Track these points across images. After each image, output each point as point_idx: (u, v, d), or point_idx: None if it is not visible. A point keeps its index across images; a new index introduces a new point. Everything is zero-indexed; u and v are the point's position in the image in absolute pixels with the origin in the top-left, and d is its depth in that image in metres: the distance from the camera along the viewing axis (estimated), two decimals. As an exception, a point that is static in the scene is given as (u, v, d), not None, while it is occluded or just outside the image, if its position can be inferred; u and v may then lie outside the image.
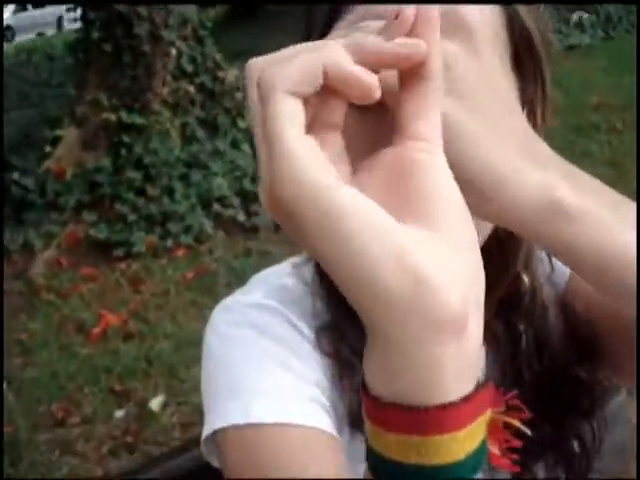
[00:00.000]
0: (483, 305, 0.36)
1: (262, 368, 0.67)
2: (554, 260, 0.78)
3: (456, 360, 0.34)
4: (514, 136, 0.44)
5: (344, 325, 0.68)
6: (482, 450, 0.37)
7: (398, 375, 0.35)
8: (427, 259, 0.33)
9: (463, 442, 0.35)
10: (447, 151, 0.38)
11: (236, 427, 0.64)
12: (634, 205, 0.45)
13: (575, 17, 11.18)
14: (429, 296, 0.33)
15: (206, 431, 0.68)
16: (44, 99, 10.75)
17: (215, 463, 0.72)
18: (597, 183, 0.45)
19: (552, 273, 0.78)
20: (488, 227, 0.59)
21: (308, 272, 0.74)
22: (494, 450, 0.38)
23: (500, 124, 0.43)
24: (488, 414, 0.37)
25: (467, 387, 0.35)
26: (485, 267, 0.37)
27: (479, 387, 0.36)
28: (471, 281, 0.35)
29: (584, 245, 0.43)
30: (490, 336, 0.75)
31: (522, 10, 0.57)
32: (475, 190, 0.41)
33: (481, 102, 0.43)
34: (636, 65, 6.52)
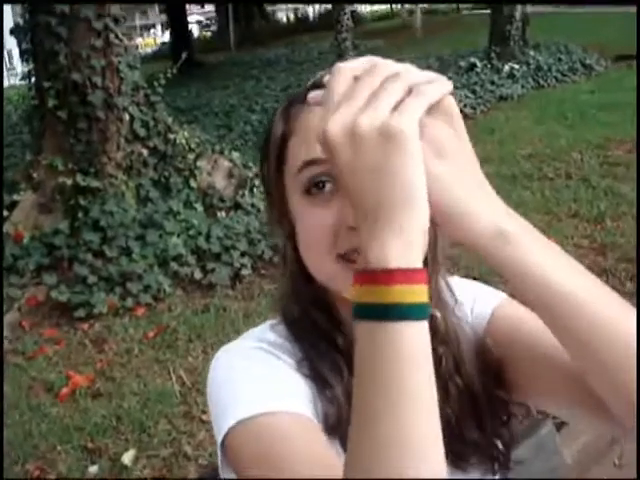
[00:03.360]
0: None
1: (256, 380, 0.89)
2: (474, 307, 1.03)
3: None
4: (475, 184, 0.69)
5: (315, 358, 0.93)
6: (429, 304, 0.62)
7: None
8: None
9: (424, 291, 0.61)
10: (430, 194, 0.63)
11: (238, 423, 0.83)
12: (548, 240, 0.71)
13: (507, 68, 11.58)
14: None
15: (219, 440, 0.87)
16: (-10, 159, 10.78)
17: (227, 475, 0.90)
18: (529, 225, 0.70)
19: (470, 318, 1.02)
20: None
21: (282, 330, 0.98)
22: None
23: (468, 176, 0.69)
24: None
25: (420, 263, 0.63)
26: None
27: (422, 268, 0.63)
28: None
29: (518, 261, 0.68)
30: None
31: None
32: (449, 221, 0.67)
33: (457, 161, 0.69)
34: (636, 71, 6.77)
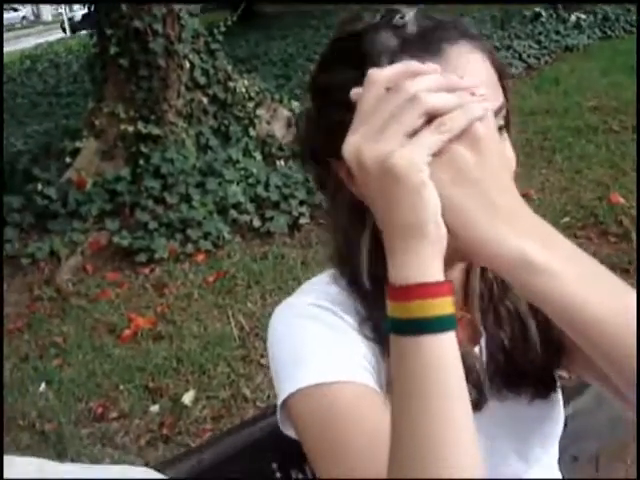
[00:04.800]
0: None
1: (319, 345, 0.87)
2: None
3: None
4: (504, 209, 0.64)
5: (377, 317, 0.88)
6: (454, 315, 0.63)
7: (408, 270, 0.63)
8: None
9: (446, 303, 0.62)
10: (452, 223, 0.62)
11: (301, 390, 0.82)
12: (594, 260, 0.66)
13: (573, 18, 11.24)
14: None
15: (280, 399, 0.86)
16: (53, 108, 10.96)
17: (287, 431, 0.90)
18: (567, 243, 0.65)
19: None
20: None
21: (343, 281, 0.95)
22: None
23: (491, 201, 0.63)
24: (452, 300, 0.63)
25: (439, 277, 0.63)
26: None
27: (445, 282, 0.63)
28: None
29: (548, 294, 0.63)
30: (467, 295, 0.97)
31: (493, 52, 0.82)
32: (469, 247, 0.64)
33: (479, 187, 0.63)
34: (636, 64, 6.61)
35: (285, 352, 0.89)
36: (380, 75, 0.64)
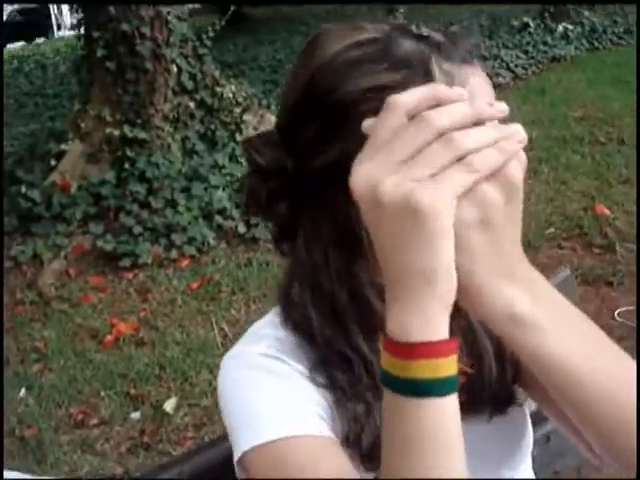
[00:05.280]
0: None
1: (271, 399, 0.83)
2: None
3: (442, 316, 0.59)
4: (509, 260, 0.60)
5: (331, 360, 0.84)
6: (457, 376, 0.59)
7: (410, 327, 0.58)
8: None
9: (450, 364, 0.58)
10: (462, 265, 0.58)
11: (256, 447, 0.78)
12: (581, 315, 0.66)
13: (560, 28, 11.30)
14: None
15: (236, 456, 0.82)
16: (39, 109, 10.90)
17: None
18: (562, 300, 0.64)
19: None
20: None
21: (290, 326, 0.87)
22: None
23: (506, 252, 0.60)
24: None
25: (444, 334, 0.59)
26: None
27: (452, 337, 0.59)
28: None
29: (531, 347, 0.62)
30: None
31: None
32: (464, 296, 0.61)
33: (500, 236, 0.60)
34: (636, 65, 6.63)
35: (237, 407, 0.85)
36: (402, 102, 0.58)
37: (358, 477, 0.76)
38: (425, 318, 0.58)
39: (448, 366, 0.58)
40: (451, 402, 0.60)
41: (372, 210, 0.58)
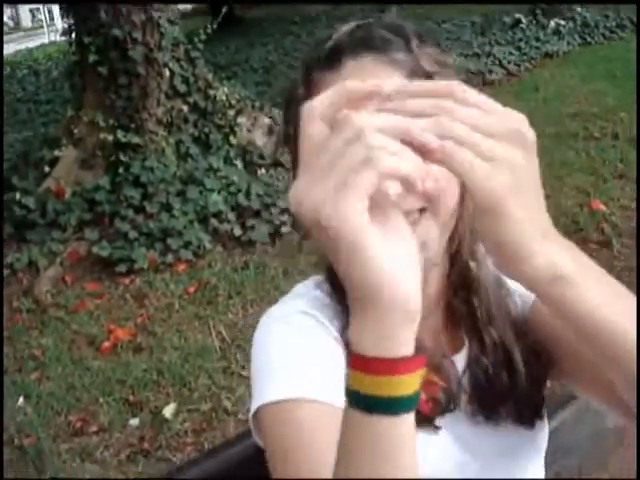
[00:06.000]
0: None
1: (293, 358, 0.87)
2: (520, 289, 0.98)
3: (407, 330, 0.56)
4: (540, 222, 0.62)
5: None
6: (418, 394, 0.57)
7: (374, 338, 0.56)
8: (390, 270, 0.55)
9: (409, 381, 0.56)
10: (489, 229, 0.58)
11: (266, 405, 0.83)
12: (610, 278, 0.68)
13: (552, 24, 11.29)
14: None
15: (251, 410, 0.87)
16: (32, 115, 10.88)
17: (259, 441, 0.90)
18: (579, 253, 0.65)
19: (518, 294, 1.00)
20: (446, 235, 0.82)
21: (329, 287, 0.96)
22: (422, 396, 0.59)
23: (534, 213, 0.60)
24: (422, 372, 0.57)
25: (404, 351, 0.56)
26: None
27: (418, 352, 0.57)
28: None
29: (576, 304, 0.63)
30: (451, 312, 0.97)
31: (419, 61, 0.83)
32: (502, 259, 0.61)
33: (528, 197, 0.60)
34: (636, 65, 6.62)
35: (260, 362, 0.90)
36: (313, 107, 0.57)
37: None
38: (382, 332, 0.55)
39: (406, 385, 0.56)
40: (405, 423, 0.57)
41: (311, 228, 0.55)
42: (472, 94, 0.58)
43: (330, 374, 0.84)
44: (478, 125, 0.56)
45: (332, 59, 0.82)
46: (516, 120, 0.59)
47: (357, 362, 0.57)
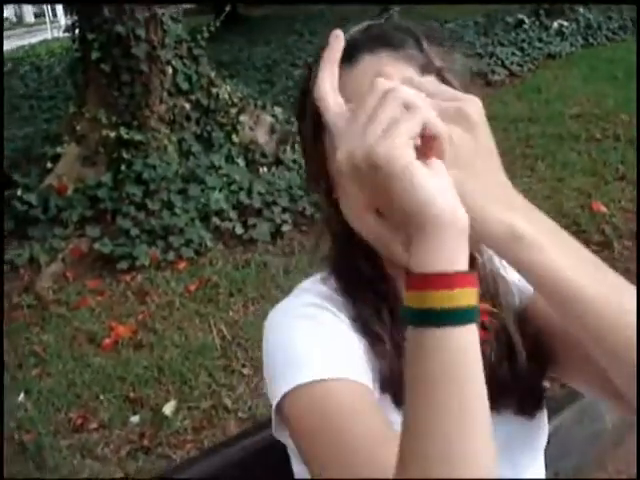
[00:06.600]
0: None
1: (314, 344, 0.87)
2: (520, 280, 0.98)
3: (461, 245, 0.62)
4: (494, 188, 0.68)
5: (365, 315, 0.91)
6: (477, 307, 0.62)
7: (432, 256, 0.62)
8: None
9: (467, 294, 0.61)
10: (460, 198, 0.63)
11: (297, 388, 0.82)
12: (580, 245, 0.71)
13: (555, 25, 11.29)
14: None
15: (275, 401, 0.85)
16: (34, 112, 10.88)
17: (281, 437, 0.91)
18: (549, 220, 0.70)
19: (518, 284, 1.02)
20: None
21: (333, 283, 0.97)
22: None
23: (487, 180, 0.67)
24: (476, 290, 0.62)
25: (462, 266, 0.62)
26: None
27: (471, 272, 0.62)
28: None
29: (536, 266, 0.67)
30: None
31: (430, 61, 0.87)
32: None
33: (474, 168, 0.67)
34: (636, 66, 6.62)
35: (281, 354, 0.89)
36: (323, 86, 0.70)
37: (391, 428, 0.77)
38: (440, 249, 0.61)
39: (466, 296, 0.61)
40: (470, 332, 0.61)
41: (358, 178, 0.64)
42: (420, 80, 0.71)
43: (353, 356, 0.86)
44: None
45: (349, 54, 0.83)
46: (460, 101, 0.67)
47: (419, 282, 0.62)
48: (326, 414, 0.80)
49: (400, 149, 0.61)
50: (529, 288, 1.00)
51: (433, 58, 0.86)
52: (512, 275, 1.01)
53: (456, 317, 0.60)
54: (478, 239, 0.67)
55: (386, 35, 0.87)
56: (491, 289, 0.98)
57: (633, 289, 0.71)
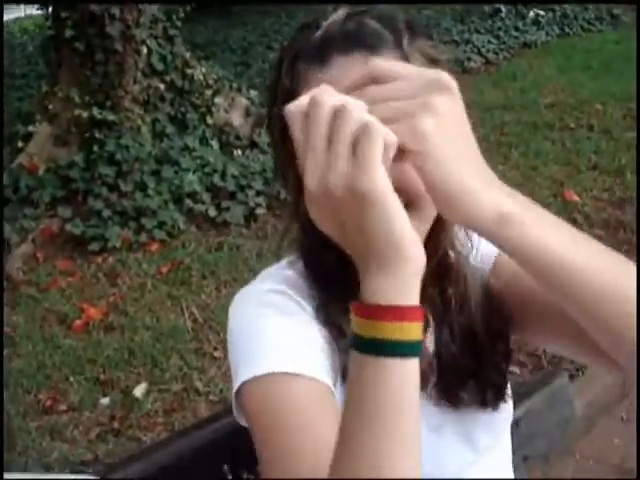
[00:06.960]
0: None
1: (278, 336, 0.86)
2: (480, 246, 1.02)
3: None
4: (473, 164, 0.66)
5: (329, 306, 0.90)
6: (421, 341, 0.63)
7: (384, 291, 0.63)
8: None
9: (416, 329, 0.63)
10: (431, 175, 0.63)
11: (257, 378, 0.82)
12: (564, 222, 0.70)
13: (532, 14, 11.31)
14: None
15: (235, 387, 0.86)
16: (6, 89, 10.72)
17: (241, 421, 0.89)
18: (527, 200, 0.69)
19: (476, 255, 1.02)
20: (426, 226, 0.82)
21: (300, 267, 0.96)
22: None
23: (466, 156, 0.66)
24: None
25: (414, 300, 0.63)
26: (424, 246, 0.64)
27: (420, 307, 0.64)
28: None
29: (521, 241, 0.67)
30: (429, 299, 0.96)
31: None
32: (447, 203, 0.65)
33: (457, 141, 0.65)
34: (636, 63, 6.66)
35: (244, 341, 0.89)
36: (294, 111, 0.65)
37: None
38: (399, 281, 0.62)
39: (415, 330, 0.63)
40: (412, 366, 0.63)
41: (329, 206, 0.63)
42: (387, 67, 0.67)
43: (312, 350, 0.86)
44: (398, 94, 0.64)
45: (321, 53, 0.81)
46: (432, 73, 0.66)
47: (371, 311, 0.63)
48: (279, 411, 0.80)
49: (379, 183, 0.60)
50: (489, 257, 1.03)
51: (413, 60, 0.82)
52: (475, 258, 1.02)
53: (404, 349, 0.62)
54: (464, 219, 0.66)
55: (363, 31, 0.82)
56: (461, 287, 0.98)
57: (632, 265, 0.72)
